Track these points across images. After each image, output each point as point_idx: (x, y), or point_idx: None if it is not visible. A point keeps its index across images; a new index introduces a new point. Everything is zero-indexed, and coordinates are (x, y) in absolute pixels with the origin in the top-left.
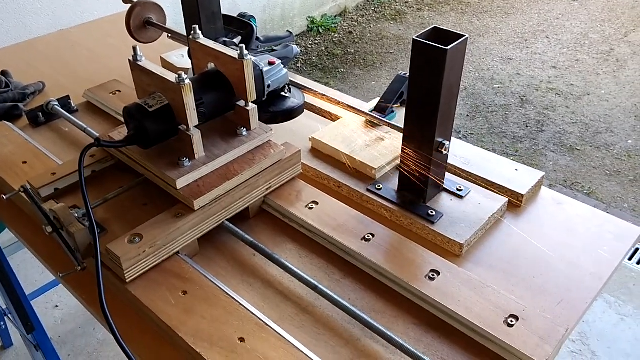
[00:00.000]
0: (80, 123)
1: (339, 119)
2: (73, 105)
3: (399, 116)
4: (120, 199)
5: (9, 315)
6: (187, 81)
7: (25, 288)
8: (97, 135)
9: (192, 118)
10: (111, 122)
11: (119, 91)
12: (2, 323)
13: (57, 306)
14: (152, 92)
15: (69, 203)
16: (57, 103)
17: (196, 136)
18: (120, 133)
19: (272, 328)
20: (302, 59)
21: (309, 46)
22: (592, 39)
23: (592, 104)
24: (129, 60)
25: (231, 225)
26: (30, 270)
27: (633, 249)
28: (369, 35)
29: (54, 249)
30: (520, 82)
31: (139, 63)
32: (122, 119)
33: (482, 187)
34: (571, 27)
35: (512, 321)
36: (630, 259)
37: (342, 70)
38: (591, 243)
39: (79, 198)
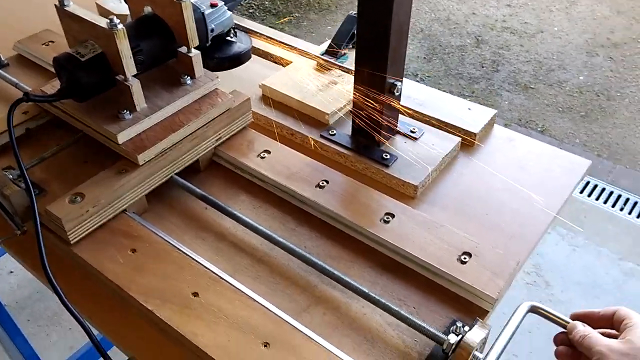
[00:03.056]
0: (11, 78)
1: (289, 63)
2: (2, 58)
3: (352, 59)
4: (58, 157)
5: None
6: (120, 26)
7: None
8: (29, 89)
9: (129, 67)
10: (46, 76)
11: (53, 42)
12: None
13: (12, 272)
14: (83, 40)
15: (3, 164)
16: None
17: (135, 86)
18: (54, 86)
19: (226, 281)
20: (254, 4)
21: None
22: None
23: (545, 42)
24: (55, 5)
25: (181, 179)
26: None
27: (584, 183)
28: None
29: None
30: (475, 21)
31: (67, 9)
32: None
33: (436, 127)
34: None
35: (465, 258)
36: (581, 192)
37: (297, 14)
38: (542, 178)
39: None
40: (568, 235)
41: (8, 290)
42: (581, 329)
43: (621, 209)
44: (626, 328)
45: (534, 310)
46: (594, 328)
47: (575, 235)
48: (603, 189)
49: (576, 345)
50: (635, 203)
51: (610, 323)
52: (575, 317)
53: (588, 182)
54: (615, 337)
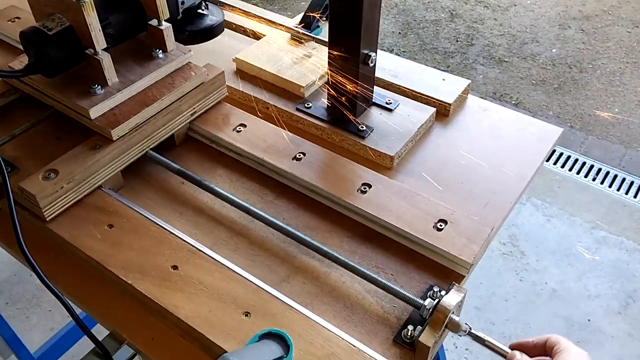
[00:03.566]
0: None
1: (262, 37)
2: None
3: (325, 32)
4: (30, 134)
5: None
6: None
7: None
8: None
9: (99, 40)
10: (13, 53)
11: (19, 18)
12: None
13: None
14: (50, 14)
15: None
16: None
17: (106, 60)
18: (22, 62)
19: (206, 254)
20: None
21: None
22: None
23: (518, 15)
24: None
25: (156, 154)
26: None
27: (557, 154)
28: None
29: None
30: None
31: None
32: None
33: (411, 98)
34: None
35: (441, 225)
36: (554, 163)
37: None
38: (515, 146)
39: None
40: (542, 206)
41: None
42: (519, 357)
43: (593, 179)
44: (556, 353)
45: (473, 337)
46: (531, 356)
47: (550, 206)
48: (576, 160)
49: None
50: (607, 173)
51: (544, 350)
52: (513, 347)
53: (561, 154)
54: None
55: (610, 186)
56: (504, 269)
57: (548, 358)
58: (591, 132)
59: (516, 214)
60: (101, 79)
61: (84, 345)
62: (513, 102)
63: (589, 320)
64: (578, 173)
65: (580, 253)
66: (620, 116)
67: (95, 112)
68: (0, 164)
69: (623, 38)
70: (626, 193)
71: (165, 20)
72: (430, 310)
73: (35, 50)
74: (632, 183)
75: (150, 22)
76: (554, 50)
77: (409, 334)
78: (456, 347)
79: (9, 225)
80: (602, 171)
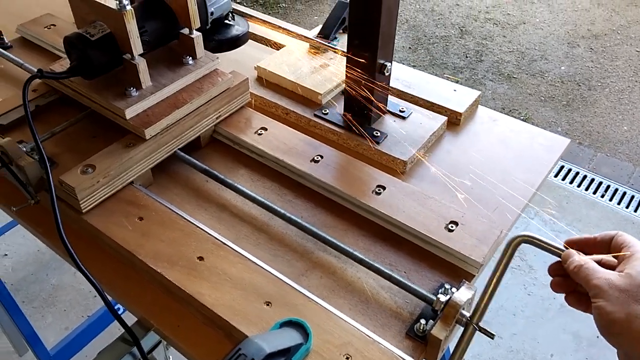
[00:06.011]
0: (16, 59)
1: (282, 47)
2: (6, 41)
3: (342, 44)
4: (68, 132)
5: None
6: (129, 7)
7: None
8: (34, 69)
9: (137, 46)
10: (49, 57)
11: (54, 25)
12: None
13: (6, 254)
14: (92, 21)
15: (15, 138)
16: None
17: (142, 65)
18: (62, 65)
19: (229, 246)
20: None
21: None
22: None
23: (527, 33)
24: None
25: (183, 154)
26: None
27: (566, 170)
28: None
29: (4, 187)
30: (459, 12)
31: None
32: (60, 54)
33: (424, 107)
34: None
35: (452, 227)
36: (563, 179)
37: (284, 5)
38: (523, 154)
39: (25, 134)
40: (551, 221)
41: (3, 273)
42: (576, 258)
43: (602, 196)
44: (625, 258)
45: (526, 241)
46: (590, 254)
47: (558, 221)
48: (584, 176)
49: (572, 276)
50: (616, 190)
51: (608, 249)
52: (569, 244)
53: (570, 170)
54: (613, 265)
55: (619, 203)
56: (512, 282)
57: (610, 257)
58: (600, 149)
59: (524, 229)
60: (136, 82)
61: (98, 344)
62: (522, 117)
63: (597, 337)
64: (587, 189)
65: None
66: (629, 134)
67: (130, 113)
68: (44, 159)
69: (632, 57)
70: (635, 210)
71: (195, 30)
72: (442, 305)
73: (78, 54)
74: None
75: (181, 31)
76: (562, 68)
77: (421, 327)
78: None
79: (47, 218)
80: (610, 188)
